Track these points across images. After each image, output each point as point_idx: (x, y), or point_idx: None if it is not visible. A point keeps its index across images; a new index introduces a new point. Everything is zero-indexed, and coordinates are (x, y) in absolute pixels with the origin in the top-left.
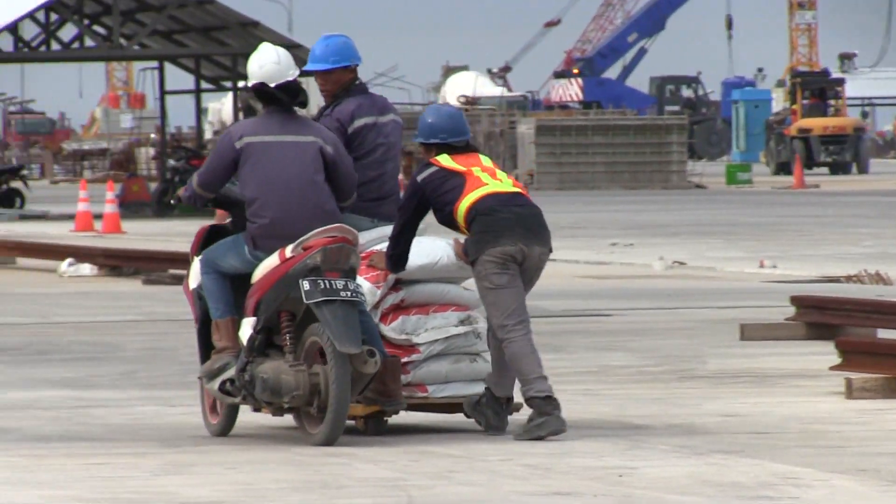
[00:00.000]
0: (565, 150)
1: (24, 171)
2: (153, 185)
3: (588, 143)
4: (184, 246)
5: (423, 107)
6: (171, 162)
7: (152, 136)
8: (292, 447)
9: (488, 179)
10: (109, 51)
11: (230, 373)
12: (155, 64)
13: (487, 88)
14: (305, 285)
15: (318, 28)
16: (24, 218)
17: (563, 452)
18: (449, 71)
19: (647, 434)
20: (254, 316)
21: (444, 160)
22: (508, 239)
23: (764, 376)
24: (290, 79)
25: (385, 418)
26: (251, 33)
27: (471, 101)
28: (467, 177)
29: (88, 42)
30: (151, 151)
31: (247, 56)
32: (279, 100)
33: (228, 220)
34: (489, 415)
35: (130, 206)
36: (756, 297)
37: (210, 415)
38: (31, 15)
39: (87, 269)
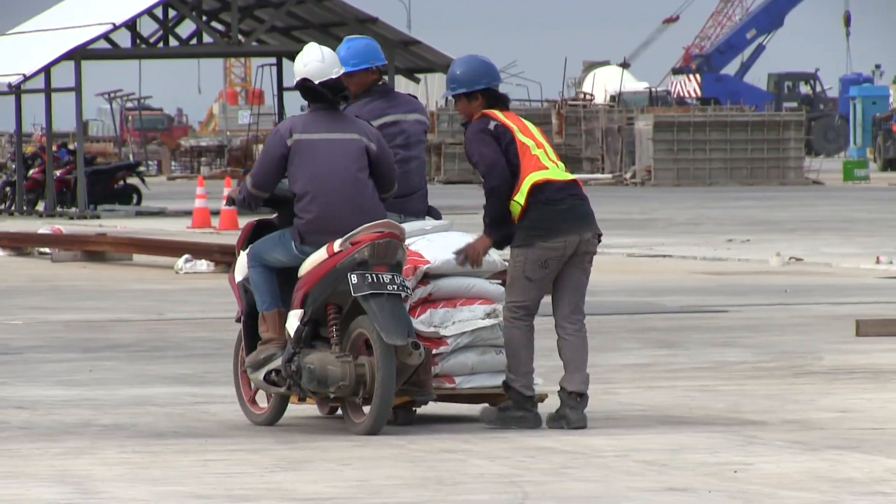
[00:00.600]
0: (683, 147)
1: (141, 168)
2: None
3: (705, 139)
4: None
5: (542, 104)
6: None
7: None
8: (407, 444)
9: (545, 160)
10: (227, 47)
11: (276, 363)
12: (273, 60)
13: (632, 84)
14: (353, 279)
15: (437, 24)
16: (141, 214)
17: (678, 448)
18: (590, 66)
19: (762, 430)
20: (301, 308)
21: (501, 116)
22: (560, 233)
23: (879, 372)
24: (335, 76)
25: (414, 408)
26: (370, 29)
27: (587, 98)
28: (521, 147)
29: (206, 38)
30: None
31: None
32: (324, 97)
33: (275, 216)
34: (520, 415)
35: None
36: (872, 293)
37: (251, 405)
38: (149, 11)
39: (203, 265)
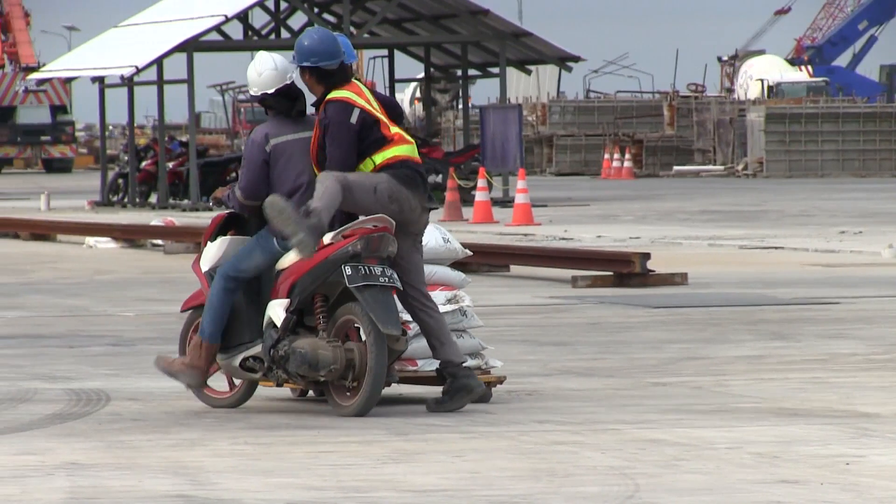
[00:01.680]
0: (794, 138)
1: None
2: None
3: (817, 130)
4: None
5: (652, 95)
6: None
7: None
8: (519, 436)
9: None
10: None
11: (253, 350)
12: (384, 52)
13: (790, 73)
14: (347, 270)
15: (549, 16)
16: None
17: (790, 440)
18: (745, 55)
19: (875, 422)
20: (287, 297)
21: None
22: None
23: None
24: (288, 82)
25: None
26: (481, 21)
27: (699, 89)
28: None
29: None
30: None
31: (477, 44)
32: (282, 104)
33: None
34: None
35: None
36: None
37: (207, 391)
38: (261, 3)
39: None
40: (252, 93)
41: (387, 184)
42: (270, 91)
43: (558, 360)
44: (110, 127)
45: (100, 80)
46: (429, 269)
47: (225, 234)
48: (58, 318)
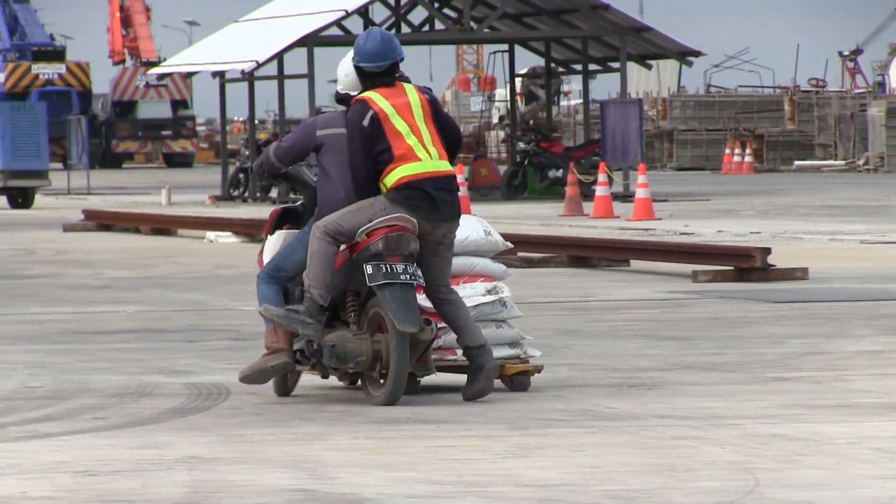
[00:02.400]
0: None
1: None
2: (503, 168)
3: None
4: (533, 229)
5: (773, 90)
6: (521, 144)
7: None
8: (639, 430)
9: (419, 150)
10: (459, 34)
11: (299, 344)
12: (505, 47)
13: None
14: (368, 269)
15: (670, 11)
16: None
17: None
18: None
19: None
20: None
21: (377, 99)
22: (413, 211)
23: None
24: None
25: (418, 380)
26: (601, 16)
27: (820, 84)
28: (391, 133)
29: (438, 25)
30: (501, 134)
31: (598, 39)
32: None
33: (299, 203)
34: (310, 322)
35: (480, 189)
36: None
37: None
38: None
39: None
40: (338, 89)
41: (383, 213)
42: (354, 94)
43: (678, 354)
44: (238, 119)
45: (220, 74)
46: (470, 261)
47: (281, 228)
48: (178, 313)
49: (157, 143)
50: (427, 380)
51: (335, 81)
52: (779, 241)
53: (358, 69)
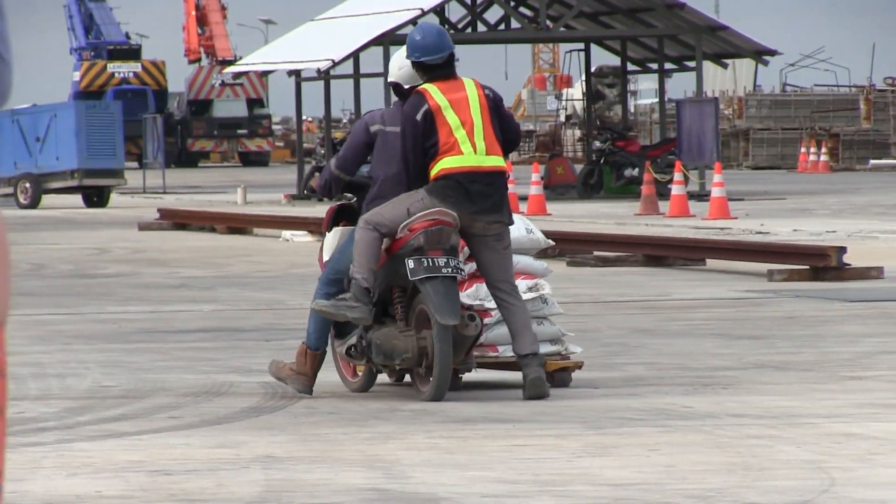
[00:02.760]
0: None
1: None
2: (579, 167)
3: None
4: (609, 228)
5: (849, 89)
6: (597, 143)
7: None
8: (714, 429)
9: (465, 144)
10: (535, 33)
11: (353, 339)
12: (581, 46)
13: None
14: (410, 264)
15: (746, 9)
16: None
17: None
18: None
19: None
20: None
21: (433, 92)
22: (455, 205)
23: None
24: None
25: (460, 375)
26: (677, 15)
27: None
28: (441, 125)
29: (514, 24)
30: (577, 133)
31: (673, 38)
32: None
33: (354, 199)
34: (356, 305)
35: (556, 188)
36: None
37: (349, 375)
38: None
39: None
40: (390, 80)
41: (420, 203)
42: (406, 87)
43: (753, 353)
44: (307, 119)
45: (296, 73)
46: (513, 258)
47: (337, 226)
48: (253, 312)
49: (232, 141)
50: (480, 377)
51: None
52: (854, 240)
53: (418, 64)
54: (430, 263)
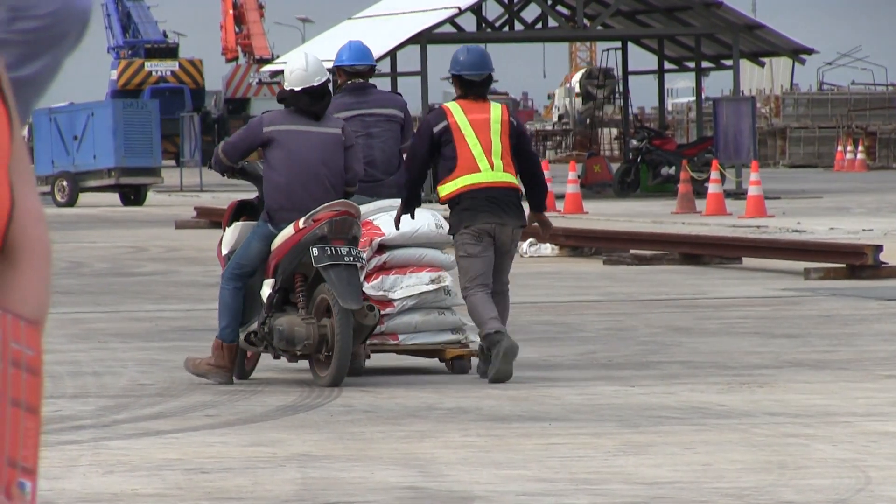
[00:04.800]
0: None
1: None
2: (615, 166)
3: None
4: (645, 227)
5: (886, 87)
6: (634, 142)
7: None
8: (750, 428)
9: (482, 160)
10: (572, 31)
11: (252, 326)
12: (618, 44)
13: None
14: (314, 251)
15: (782, 8)
16: None
17: None
18: None
19: None
20: (272, 278)
21: (454, 110)
22: (479, 220)
23: None
24: (316, 84)
25: (361, 363)
26: (714, 13)
27: None
28: (459, 143)
29: (551, 23)
30: (614, 132)
31: (710, 37)
32: (299, 101)
33: (255, 196)
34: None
35: (592, 187)
36: None
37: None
38: None
39: (547, 249)
40: (284, 86)
41: (461, 242)
42: (297, 89)
43: (790, 352)
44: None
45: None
46: (420, 252)
47: (238, 220)
48: None
49: None
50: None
51: (448, 79)
52: (891, 239)
53: (458, 78)
54: (333, 252)
